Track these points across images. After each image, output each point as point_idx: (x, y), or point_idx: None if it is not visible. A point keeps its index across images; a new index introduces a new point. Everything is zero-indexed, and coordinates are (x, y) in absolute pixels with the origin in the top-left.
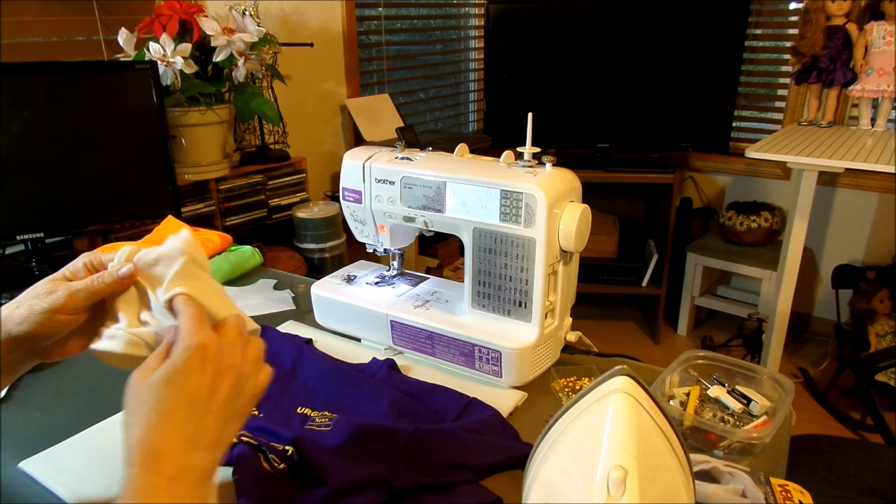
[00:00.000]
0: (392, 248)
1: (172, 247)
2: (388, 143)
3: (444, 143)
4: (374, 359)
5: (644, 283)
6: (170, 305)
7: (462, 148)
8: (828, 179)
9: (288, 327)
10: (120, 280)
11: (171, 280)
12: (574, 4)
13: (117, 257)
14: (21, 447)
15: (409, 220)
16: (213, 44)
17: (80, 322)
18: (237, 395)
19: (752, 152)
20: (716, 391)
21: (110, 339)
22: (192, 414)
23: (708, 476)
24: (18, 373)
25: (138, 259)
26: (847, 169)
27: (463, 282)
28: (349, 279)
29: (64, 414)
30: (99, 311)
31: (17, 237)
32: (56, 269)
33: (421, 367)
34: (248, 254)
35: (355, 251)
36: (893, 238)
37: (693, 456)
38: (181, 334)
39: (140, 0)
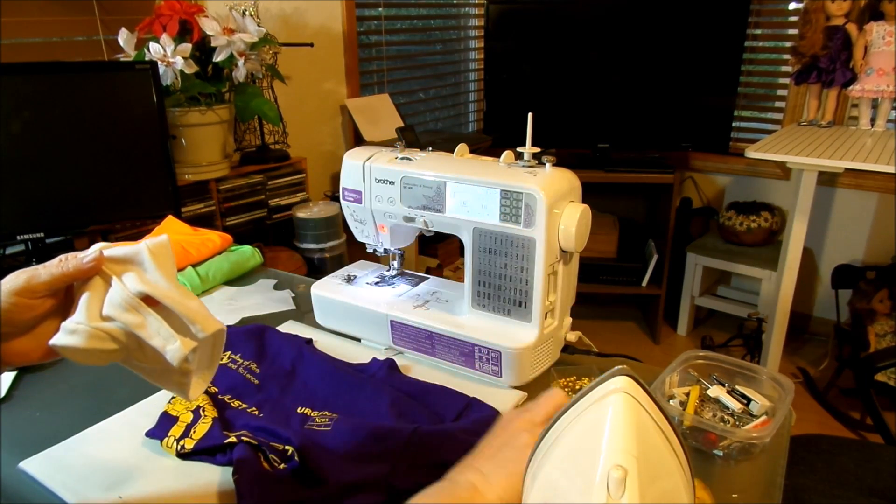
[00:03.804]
0: (392, 248)
1: (144, 247)
2: (388, 143)
3: (444, 143)
4: (374, 359)
5: (644, 283)
6: (146, 300)
7: (462, 148)
8: (828, 179)
9: (288, 327)
10: (82, 267)
11: (141, 281)
12: (574, 4)
13: (89, 250)
14: (21, 447)
15: (409, 220)
16: (213, 44)
17: (39, 311)
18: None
19: (752, 152)
20: (716, 391)
21: (71, 334)
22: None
23: None
24: None
25: (107, 251)
26: (847, 169)
27: (463, 282)
28: (349, 279)
29: (64, 414)
30: (65, 315)
31: (18, 237)
32: None
33: (421, 367)
34: (248, 254)
35: (355, 251)
36: (893, 238)
37: None
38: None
39: (140, 0)
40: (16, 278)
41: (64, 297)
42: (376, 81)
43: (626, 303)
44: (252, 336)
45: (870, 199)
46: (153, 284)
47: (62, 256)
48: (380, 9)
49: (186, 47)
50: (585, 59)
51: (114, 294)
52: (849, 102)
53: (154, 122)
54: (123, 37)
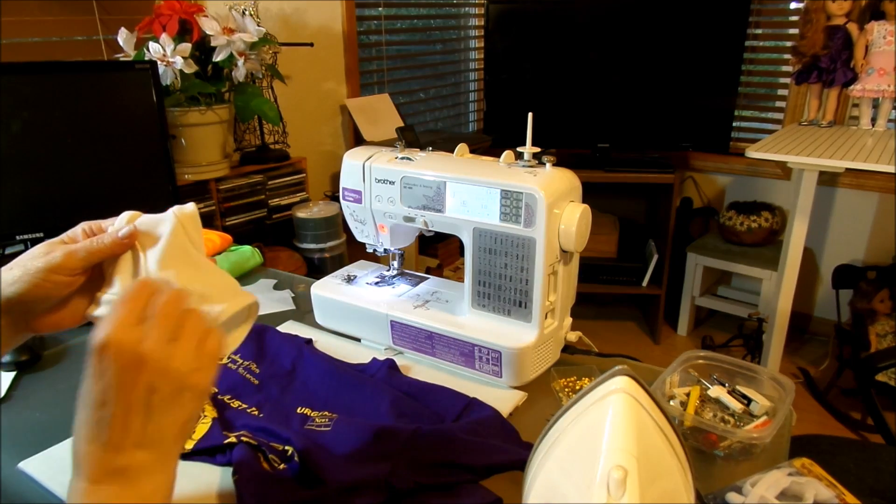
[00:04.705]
0: (392, 248)
1: (172, 215)
2: (388, 143)
3: (444, 143)
4: (374, 359)
5: (644, 283)
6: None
7: (462, 148)
8: (828, 179)
9: (288, 327)
10: (119, 241)
11: (162, 258)
12: (574, 4)
13: (118, 221)
14: (21, 447)
15: (409, 220)
16: (213, 44)
17: (76, 286)
18: (162, 383)
19: (753, 152)
20: (716, 391)
21: (109, 306)
22: (103, 418)
23: (784, 496)
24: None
25: (140, 222)
26: (847, 169)
27: (463, 282)
28: (349, 279)
29: (64, 414)
30: (94, 283)
31: (17, 237)
32: None
33: (421, 367)
34: (248, 254)
35: (355, 251)
36: (893, 238)
37: (766, 476)
38: None
39: (140, 0)
40: (50, 256)
41: (93, 269)
42: (376, 81)
43: (626, 303)
44: (252, 336)
45: (870, 199)
46: (181, 266)
47: (85, 226)
48: (380, 9)
49: (186, 47)
50: (585, 59)
51: (147, 266)
52: (849, 102)
53: (154, 121)
54: (123, 36)
